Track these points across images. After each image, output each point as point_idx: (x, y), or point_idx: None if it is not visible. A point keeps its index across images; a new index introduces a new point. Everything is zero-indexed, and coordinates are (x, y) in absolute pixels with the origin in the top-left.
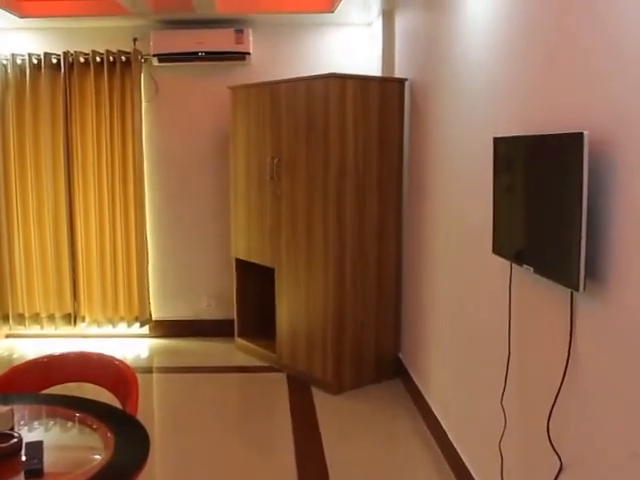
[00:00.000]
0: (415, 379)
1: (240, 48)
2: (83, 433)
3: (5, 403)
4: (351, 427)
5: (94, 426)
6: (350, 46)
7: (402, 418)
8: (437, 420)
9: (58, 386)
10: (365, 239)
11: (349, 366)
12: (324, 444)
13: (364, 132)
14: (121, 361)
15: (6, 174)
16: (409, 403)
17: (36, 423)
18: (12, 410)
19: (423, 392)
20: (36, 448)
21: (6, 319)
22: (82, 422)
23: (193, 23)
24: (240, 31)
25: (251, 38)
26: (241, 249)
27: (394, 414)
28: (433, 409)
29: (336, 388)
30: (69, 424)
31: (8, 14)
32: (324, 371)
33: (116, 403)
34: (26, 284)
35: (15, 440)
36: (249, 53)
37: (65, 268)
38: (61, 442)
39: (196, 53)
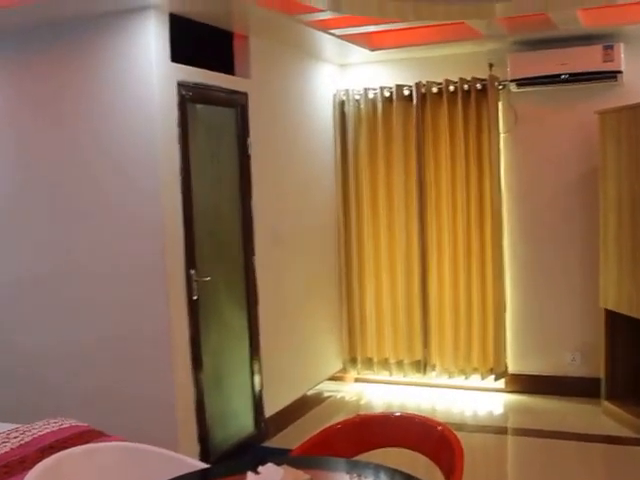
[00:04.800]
0: None
1: (609, 67)
2: None
3: (308, 467)
4: None
5: None
6: None
7: None
8: None
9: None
10: None
11: None
12: None
13: None
14: (445, 426)
15: (359, 213)
16: None
17: None
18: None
19: None
20: None
21: (355, 363)
22: None
23: (554, 42)
24: (609, 47)
25: (622, 54)
26: (611, 299)
27: None
28: None
29: None
30: None
31: (360, 48)
32: None
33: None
34: (376, 328)
35: None
36: (620, 71)
37: (416, 313)
38: None
39: (559, 75)
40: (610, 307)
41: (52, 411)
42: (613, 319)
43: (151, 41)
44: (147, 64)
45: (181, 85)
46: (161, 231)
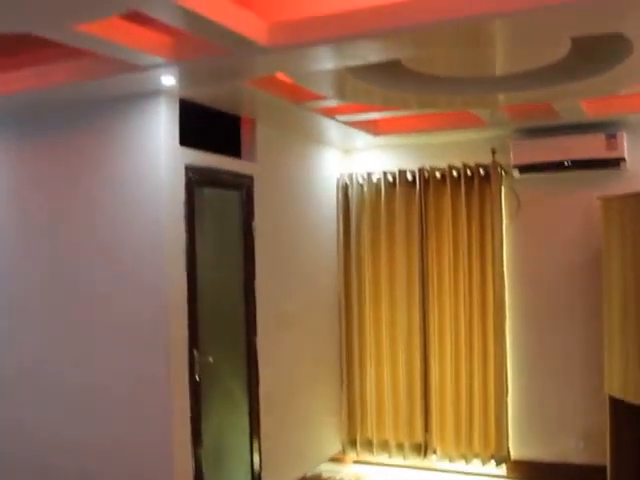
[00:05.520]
0: None
1: (612, 154)
2: None
3: None
4: None
5: None
6: None
7: None
8: None
9: None
10: None
11: None
12: None
13: None
14: None
15: (360, 295)
16: None
17: None
18: None
19: None
20: None
21: (354, 444)
22: None
23: (556, 130)
24: (612, 136)
25: (625, 142)
26: (616, 385)
27: None
28: None
29: None
30: None
31: (364, 134)
32: None
33: None
34: (376, 410)
35: None
36: (623, 159)
37: (417, 396)
38: None
39: (562, 162)
40: (615, 394)
41: None
42: (618, 406)
43: (161, 125)
44: (157, 147)
45: (189, 168)
46: (166, 312)
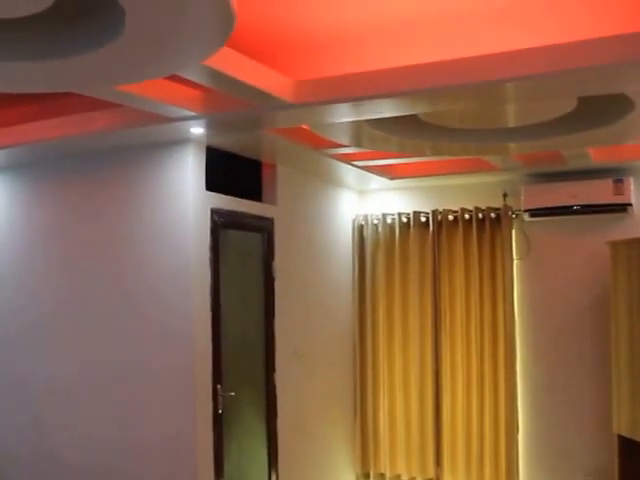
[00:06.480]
0: None
1: (620, 199)
2: None
3: None
4: None
5: None
6: None
7: None
8: None
9: None
10: None
11: None
12: None
13: None
14: None
15: (375, 333)
16: None
17: None
18: None
19: None
20: None
21: (367, 478)
22: None
23: (566, 175)
24: (619, 181)
25: (632, 188)
26: (625, 424)
27: None
28: None
29: None
30: None
31: (379, 178)
32: None
33: None
34: (389, 444)
35: None
36: (630, 204)
37: (429, 432)
38: None
39: (570, 207)
40: (624, 433)
41: None
42: (626, 444)
43: (189, 171)
44: (185, 192)
45: (214, 212)
46: (191, 348)
